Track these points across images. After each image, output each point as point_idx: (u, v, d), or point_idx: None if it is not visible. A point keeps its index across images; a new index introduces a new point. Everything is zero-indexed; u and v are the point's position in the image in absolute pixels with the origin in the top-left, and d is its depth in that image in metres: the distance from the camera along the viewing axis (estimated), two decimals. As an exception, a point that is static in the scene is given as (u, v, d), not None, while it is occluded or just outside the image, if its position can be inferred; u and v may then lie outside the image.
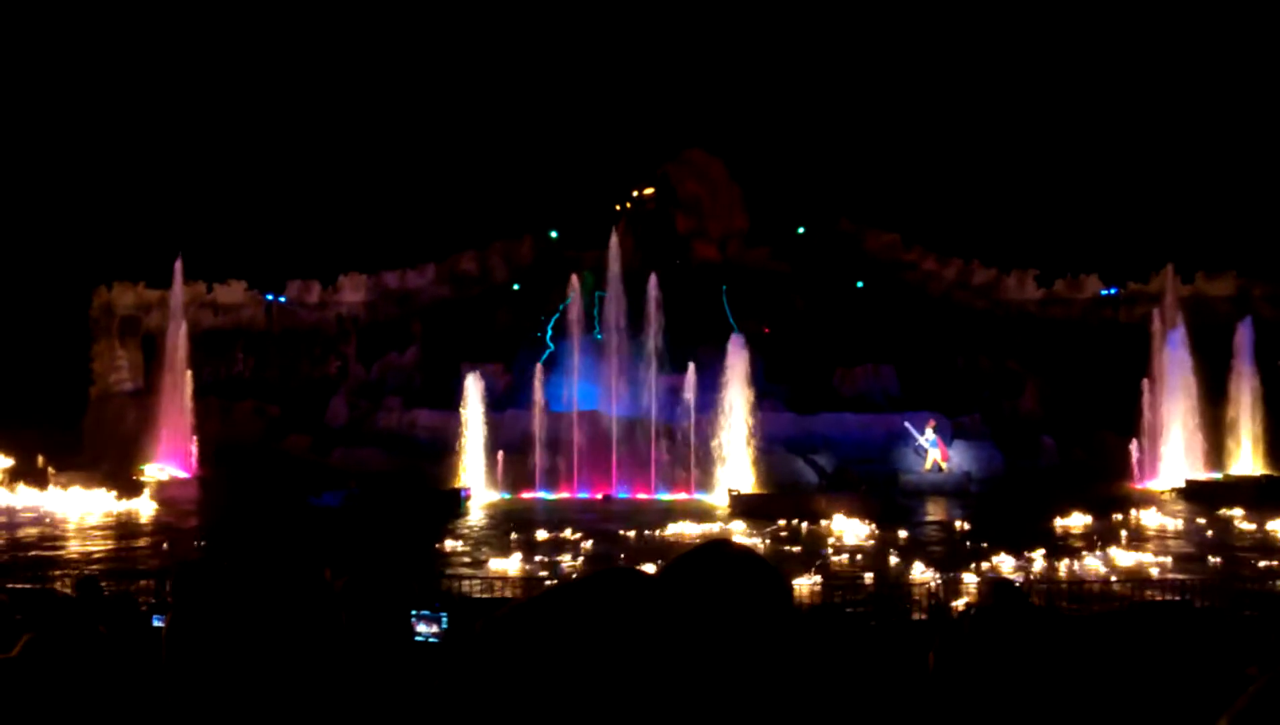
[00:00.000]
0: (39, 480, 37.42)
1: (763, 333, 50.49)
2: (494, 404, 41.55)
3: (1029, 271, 61.25)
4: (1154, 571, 22.16)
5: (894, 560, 23.66)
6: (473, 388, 40.74)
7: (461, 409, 40.40)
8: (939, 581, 18.80)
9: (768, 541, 27.50)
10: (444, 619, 12.23)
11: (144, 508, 34.02)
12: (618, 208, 60.57)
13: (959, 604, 16.31)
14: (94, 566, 22.71)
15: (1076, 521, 29.85)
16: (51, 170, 66.43)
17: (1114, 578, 21.03)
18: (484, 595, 17.70)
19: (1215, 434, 44.29)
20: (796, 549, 26.36)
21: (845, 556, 24.81)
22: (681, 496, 38.43)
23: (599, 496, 38.55)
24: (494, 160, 70.97)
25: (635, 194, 61.14)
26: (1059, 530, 29.13)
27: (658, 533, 28.47)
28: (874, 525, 29.36)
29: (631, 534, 28.28)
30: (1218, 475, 42.17)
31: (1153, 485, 41.57)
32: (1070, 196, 70.12)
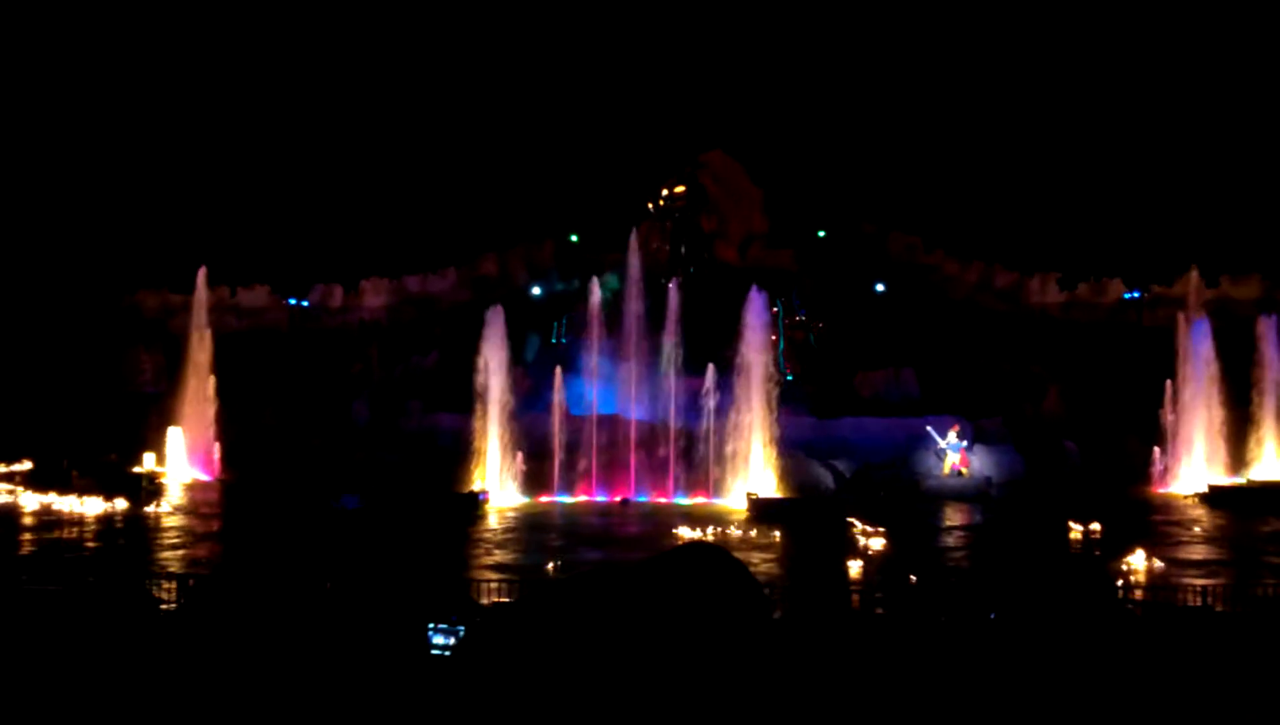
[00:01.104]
0: (62, 482, 37.75)
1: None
2: (514, 407, 41.60)
3: (1051, 275, 61.01)
4: (1174, 577, 21.99)
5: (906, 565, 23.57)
6: (494, 323, 40.80)
7: (479, 357, 40.34)
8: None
9: (782, 549, 27.45)
10: (462, 631, 12.13)
11: (166, 510, 34.29)
12: (650, 207, 60.63)
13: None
14: (115, 569, 22.93)
15: (1095, 527, 29.63)
16: (77, 178, 67.11)
17: (1134, 583, 20.88)
18: (501, 600, 17.74)
19: (1240, 438, 43.85)
20: (814, 553, 26.32)
21: (859, 562, 24.74)
22: (700, 500, 38.40)
23: (617, 500, 38.57)
24: (514, 164, 71.16)
25: (665, 192, 61.21)
26: (1078, 535, 28.94)
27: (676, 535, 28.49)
28: (892, 530, 29.26)
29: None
30: (1241, 480, 41.76)
31: (1176, 490, 41.23)
32: (1093, 199, 69.63)
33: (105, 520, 31.99)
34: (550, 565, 23.07)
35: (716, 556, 3.90)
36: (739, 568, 4.04)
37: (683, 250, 58.45)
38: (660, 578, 3.55)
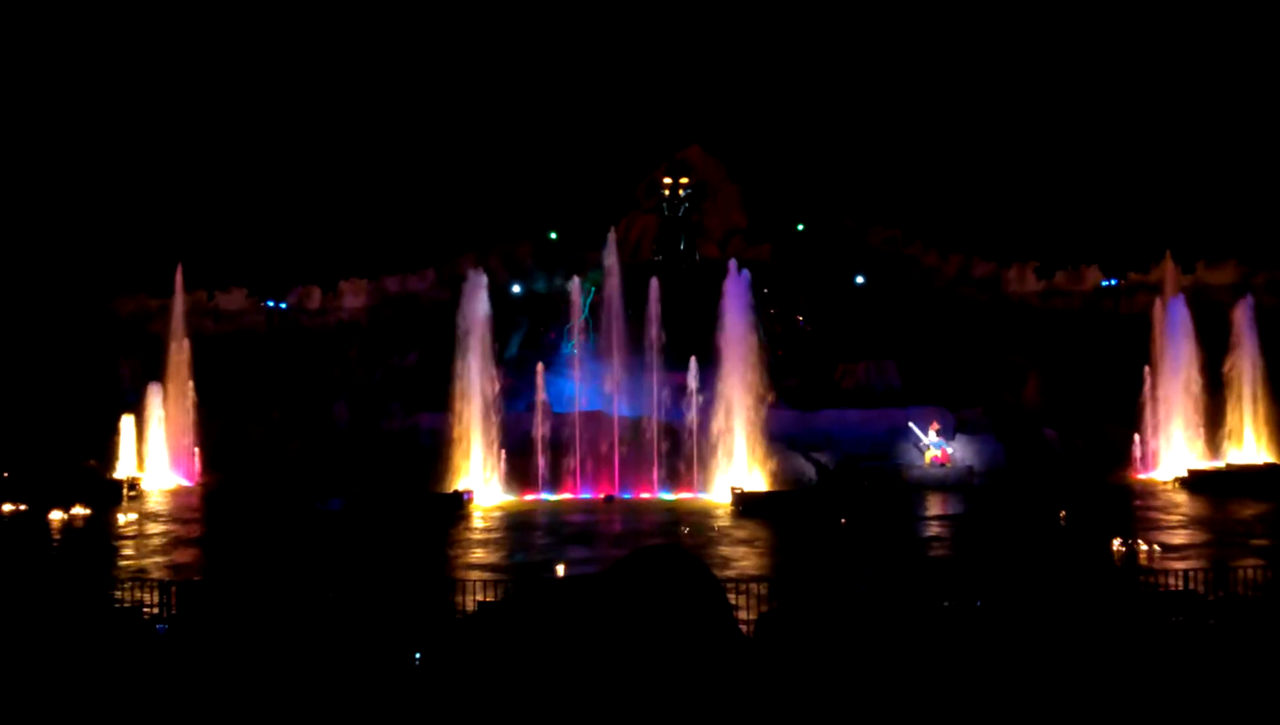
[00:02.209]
0: (39, 490, 37.33)
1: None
2: (496, 406, 41.51)
3: (1029, 264, 61.36)
4: (1157, 561, 22.12)
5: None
6: (475, 283, 40.78)
7: (458, 356, 40.16)
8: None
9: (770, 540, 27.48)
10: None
11: (147, 516, 34.02)
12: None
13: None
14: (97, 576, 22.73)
15: (1078, 514, 29.79)
16: (54, 181, 66.50)
17: (1117, 569, 20.99)
18: (486, 599, 17.67)
19: (1218, 423, 44.11)
20: (797, 546, 26.36)
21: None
22: (685, 495, 38.40)
23: (601, 497, 38.52)
24: (492, 163, 70.97)
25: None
26: (1063, 524, 29.08)
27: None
28: (876, 521, 29.35)
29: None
30: (1220, 464, 42.05)
31: (1155, 476, 41.49)
32: (1070, 188, 69.99)
33: (84, 527, 31.68)
34: (560, 567, 22.89)
35: (676, 558, 3.99)
36: (698, 567, 4.13)
37: (682, 243, 58.40)
38: (620, 584, 3.66)
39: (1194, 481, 38.14)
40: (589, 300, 46.28)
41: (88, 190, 66.53)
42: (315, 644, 11.51)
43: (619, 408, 42.61)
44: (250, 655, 10.63)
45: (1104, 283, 59.08)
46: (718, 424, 39.16)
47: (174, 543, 28.51)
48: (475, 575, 21.16)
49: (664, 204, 60.88)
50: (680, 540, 26.55)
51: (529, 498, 38.70)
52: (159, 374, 48.34)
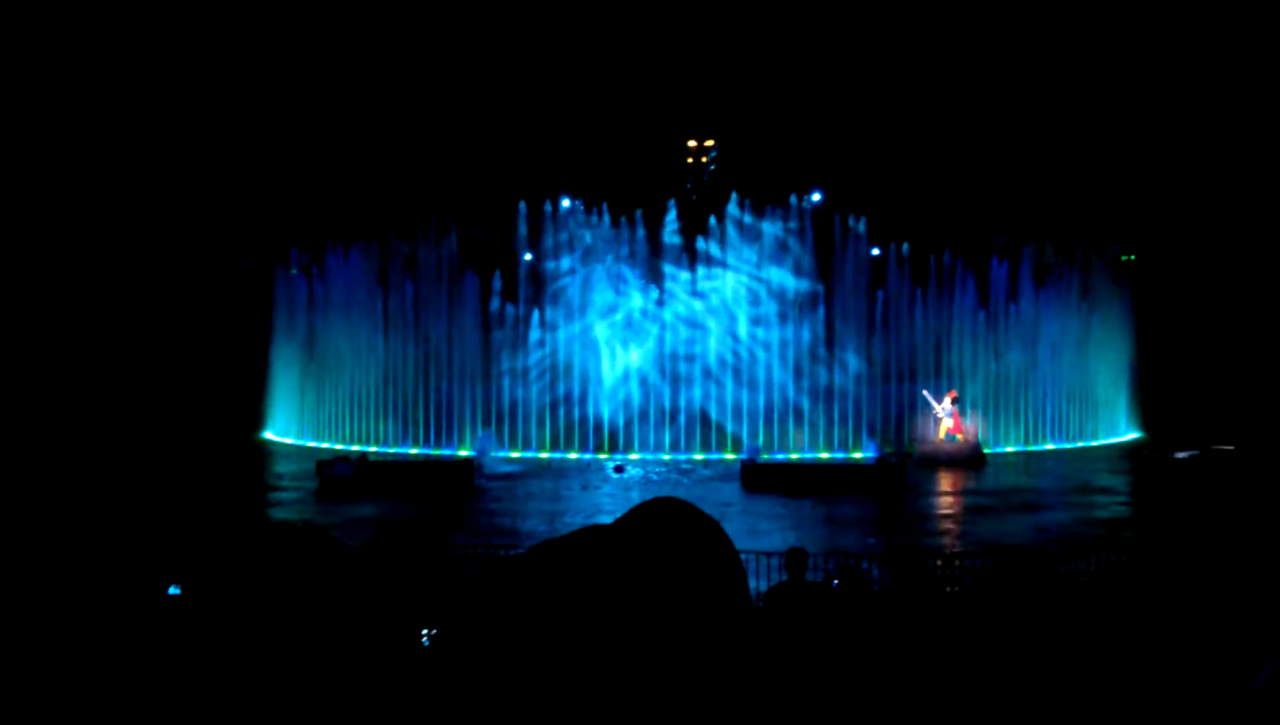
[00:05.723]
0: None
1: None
2: (507, 370, 41.42)
3: (1046, 239, 61.02)
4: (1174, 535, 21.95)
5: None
6: (486, 250, 40.73)
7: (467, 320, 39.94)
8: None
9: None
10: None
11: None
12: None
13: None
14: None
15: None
16: (55, 162, 66.15)
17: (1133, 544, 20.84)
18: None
19: (1231, 400, 43.82)
20: (809, 518, 26.25)
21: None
22: (698, 465, 38.28)
23: (613, 462, 38.36)
24: (502, 130, 70.53)
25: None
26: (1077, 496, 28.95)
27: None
28: (889, 494, 29.24)
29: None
30: (1231, 446, 41.69)
31: (1180, 454, 41.13)
32: (1086, 168, 69.25)
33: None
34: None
35: (685, 511, 3.77)
36: (709, 522, 3.91)
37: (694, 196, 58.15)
38: (630, 538, 3.47)
39: (1206, 460, 37.82)
40: (600, 264, 46.04)
41: (91, 172, 66.09)
42: (322, 617, 11.32)
43: (633, 376, 42.47)
44: (258, 622, 10.46)
45: (1123, 258, 58.71)
46: (729, 393, 39.02)
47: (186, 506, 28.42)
48: (484, 542, 21.04)
49: (697, 167, 60.69)
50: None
51: (538, 465, 38.60)
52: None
